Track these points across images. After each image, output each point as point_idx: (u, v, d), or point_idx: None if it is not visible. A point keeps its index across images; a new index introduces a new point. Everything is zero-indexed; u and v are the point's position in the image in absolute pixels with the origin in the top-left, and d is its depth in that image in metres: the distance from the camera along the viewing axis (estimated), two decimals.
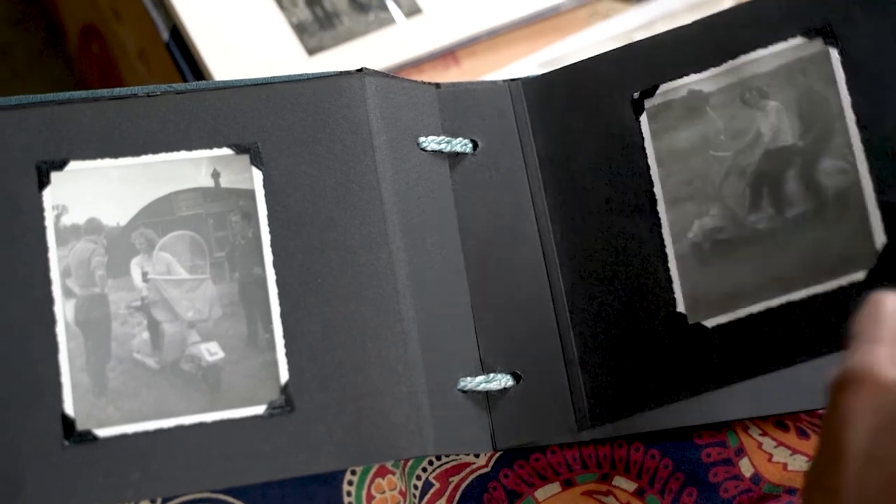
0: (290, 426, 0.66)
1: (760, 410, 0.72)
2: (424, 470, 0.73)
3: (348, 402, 0.66)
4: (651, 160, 0.71)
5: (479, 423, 0.69)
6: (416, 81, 0.73)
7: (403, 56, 0.89)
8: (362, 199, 0.69)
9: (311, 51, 0.88)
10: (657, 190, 0.71)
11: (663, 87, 0.72)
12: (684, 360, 0.69)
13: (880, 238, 0.66)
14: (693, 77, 0.72)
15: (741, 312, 0.69)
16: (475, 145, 0.73)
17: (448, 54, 0.91)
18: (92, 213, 0.67)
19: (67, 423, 0.64)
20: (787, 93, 0.70)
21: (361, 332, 0.67)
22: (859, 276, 0.66)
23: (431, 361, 0.68)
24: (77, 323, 0.65)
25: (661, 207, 0.71)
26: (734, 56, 0.71)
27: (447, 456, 0.72)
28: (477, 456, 0.73)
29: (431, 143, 0.72)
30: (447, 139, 0.72)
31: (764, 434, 0.74)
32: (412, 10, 0.90)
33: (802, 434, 0.75)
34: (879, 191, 0.66)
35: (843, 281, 0.66)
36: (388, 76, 0.72)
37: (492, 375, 0.70)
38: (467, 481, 0.73)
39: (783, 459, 0.74)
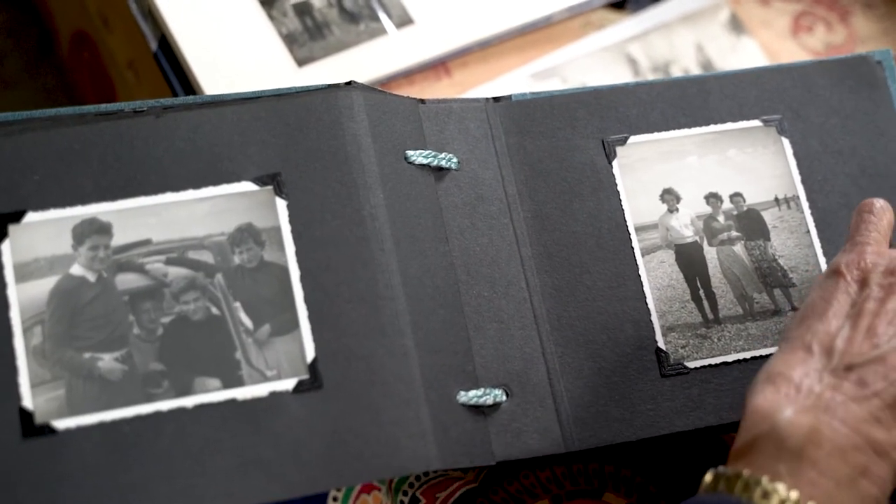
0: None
1: None
2: (411, 486, 0.72)
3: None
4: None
5: (478, 436, 0.69)
6: (401, 96, 0.73)
7: (394, 67, 0.88)
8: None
9: (301, 62, 0.87)
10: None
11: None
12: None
13: None
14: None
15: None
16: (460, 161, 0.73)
17: (440, 65, 0.90)
18: None
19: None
20: None
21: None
22: None
23: (428, 375, 0.68)
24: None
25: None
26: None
27: (434, 471, 0.72)
28: (465, 471, 0.73)
29: (419, 156, 0.72)
30: (433, 153, 0.72)
31: None
32: (403, 21, 0.89)
33: None
34: None
35: None
36: (375, 90, 0.72)
37: (486, 390, 0.69)
38: (454, 497, 0.73)
39: None
